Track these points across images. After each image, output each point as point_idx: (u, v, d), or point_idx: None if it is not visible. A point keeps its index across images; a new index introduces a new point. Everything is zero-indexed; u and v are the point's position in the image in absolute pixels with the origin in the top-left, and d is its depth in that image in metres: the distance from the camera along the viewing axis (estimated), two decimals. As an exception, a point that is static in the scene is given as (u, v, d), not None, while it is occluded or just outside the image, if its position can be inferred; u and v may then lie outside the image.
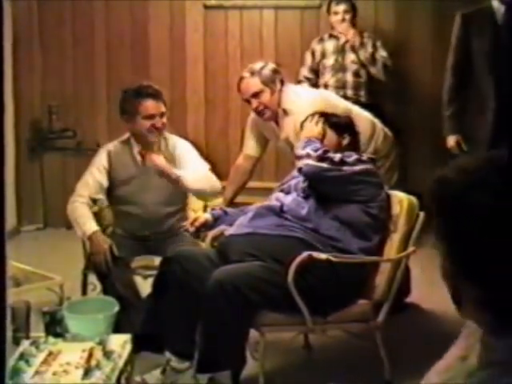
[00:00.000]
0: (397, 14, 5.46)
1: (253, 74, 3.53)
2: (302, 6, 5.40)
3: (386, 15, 5.47)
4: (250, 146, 3.83)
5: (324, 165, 2.93)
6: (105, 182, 3.54)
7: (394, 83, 5.32)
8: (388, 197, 3.11)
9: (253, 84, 3.52)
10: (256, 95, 3.52)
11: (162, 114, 3.49)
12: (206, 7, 5.63)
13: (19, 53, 5.59)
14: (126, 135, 3.62)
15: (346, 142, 3.20)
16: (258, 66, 3.58)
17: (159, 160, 3.35)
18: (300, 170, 3.02)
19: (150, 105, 3.45)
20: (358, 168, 2.98)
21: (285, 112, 3.55)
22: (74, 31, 5.73)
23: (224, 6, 5.61)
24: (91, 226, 3.40)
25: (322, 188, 3.00)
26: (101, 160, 3.56)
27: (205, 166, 3.57)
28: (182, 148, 3.61)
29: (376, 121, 3.80)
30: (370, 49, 4.93)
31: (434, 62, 5.46)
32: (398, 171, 3.80)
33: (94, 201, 3.54)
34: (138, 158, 3.55)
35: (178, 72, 5.71)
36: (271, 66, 3.62)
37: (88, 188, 3.51)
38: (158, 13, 5.68)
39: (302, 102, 3.52)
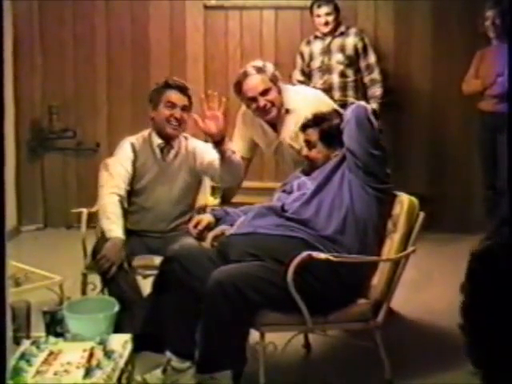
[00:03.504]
0: (396, 14, 5.47)
1: (259, 71, 3.44)
2: (302, 6, 5.40)
3: (385, 15, 5.47)
4: (241, 149, 3.72)
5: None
6: (131, 171, 3.56)
7: (394, 84, 5.32)
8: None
9: (261, 81, 3.43)
10: (264, 93, 3.43)
11: (183, 107, 3.57)
12: (206, 7, 5.63)
13: (20, 53, 5.59)
14: (148, 130, 3.66)
15: (336, 153, 3.18)
16: (259, 63, 3.50)
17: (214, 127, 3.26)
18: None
19: (173, 95, 3.56)
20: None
21: (287, 111, 3.50)
22: (75, 31, 5.74)
23: (224, 6, 5.61)
24: (118, 230, 3.37)
25: (364, 144, 2.98)
26: (126, 151, 3.59)
27: None
28: (202, 148, 3.63)
29: None
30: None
31: (434, 62, 5.46)
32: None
33: (126, 192, 3.54)
34: (157, 152, 3.61)
35: (178, 72, 5.70)
36: (270, 64, 3.60)
37: (122, 179, 3.52)
38: (158, 13, 5.68)
39: (304, 100, 3.49)
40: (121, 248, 3.32)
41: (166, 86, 3.59)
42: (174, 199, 3.59)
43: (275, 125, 3.56)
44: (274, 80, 3.48)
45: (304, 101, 3.49)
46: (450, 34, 5.38)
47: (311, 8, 5.06)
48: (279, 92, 3.48)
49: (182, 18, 5.68)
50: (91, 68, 5.77)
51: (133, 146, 3.61)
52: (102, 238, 3.40)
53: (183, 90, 3.59)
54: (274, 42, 5.61)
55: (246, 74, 3.46)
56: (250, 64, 3.53)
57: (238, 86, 3.49)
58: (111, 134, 5.67)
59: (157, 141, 3.61)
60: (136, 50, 5.75)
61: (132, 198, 3.60)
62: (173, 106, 3.55)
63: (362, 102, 3.31)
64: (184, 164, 3.60)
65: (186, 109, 3.58)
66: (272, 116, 3.48)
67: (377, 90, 5.04)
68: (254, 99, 3.45)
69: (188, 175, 3.62)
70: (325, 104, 3.49)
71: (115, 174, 3.53)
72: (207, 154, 3.54)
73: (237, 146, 3.76)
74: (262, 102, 3.44)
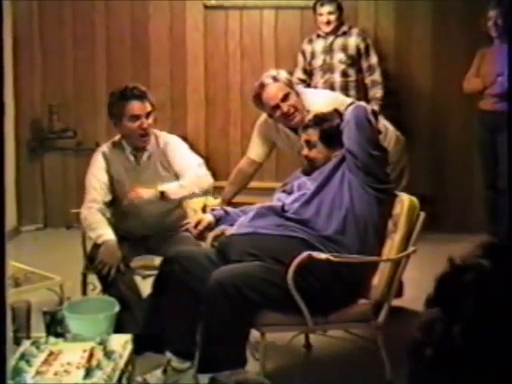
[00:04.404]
0: (397, 13, 5.46)
1: (274, 79, 3.44)
2: (302, 6, 5.39)
3: (385, 15, 5.47)
4: (256, 152, 3.74)
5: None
6: (107, 181, 3.53)
7: (394, 84, 5.32)
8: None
9: (279, 88, 3.42)
10: (285, 98, 3.41)
11: (147, 115, 3.48)
12: (206, 7, 5.62)
13: (19, 53, 5.58)
14: (118, 136, 3.63)
15: (336, 153, 3.17)
16: (273, 72, 3.50)
17: (146, 193, 3.38)
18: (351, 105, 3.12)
19: (135, 106, 3.46)
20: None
21: (308, 112, 3.49)
22: (75, 31, 5.73)
23: (224, 6, 5.61)
24: (107, 233, 3.38)
25: (364, 145, 2.99)
26: (98, 161, 3.57)
27: (195, 161, 3.56)
28: (173, 144, 3.60)
29: (388, 124, 3.79)
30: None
31: (434, 62, 5.46)
32: (408, 175, 3.78)
33: (106, 204, 3.52)
34: (131, 158, 3.57)
35: (178, 72, 5.71)
36: (283, 71, 3.60)
37: (97, 191, 3.50)
38: (157, 13, 5.68)
39: (323, 100, 3.47)
40: (116, 249, 3.32)
41: (123, 98, 3.47)
42: (158, 200, 3.53)
43: (296, 128, 3.55)
44: (289, 85, 3.48)
45: (324, 101, 3.47)
46: (451, 34, 5.38)
47: (314, 6, 5.06)
48: (298, 95, 3.48)
49: (181, 18, 5.67)
50: (91, 68, 5.76)
51: (104, 154, 3.57)
52: (96, 244, 3.41)
53: (143, 97, 3.48)
54: (274, 42, 5.60)
55: (263, 85, 3.45)
56: (264, 75, 3.53)
57: (258, 98, 3.49)
58: (111, 134, 5.61)
59: (128, 148, 3.57)
60: (136, 50, 5.74)
61: (117, 205, 3.58)
62: (137, 117, 3.46)
63: (362, 102, 3.30)
64: (158, 162, 3.55)
65: (149, 114, 3.49)
66: (297, 120, 3.44)
67: (377, 92, 5.03)
68: (276, 107, 3.44)
69: (165, 172, 3.57)
70: (343, 104, 3.48)
71: (90, 188, 3.52)
72: (176, 155, 3.53)
73: (254, 152, 3.76)
74: (285, 107, 3.42)
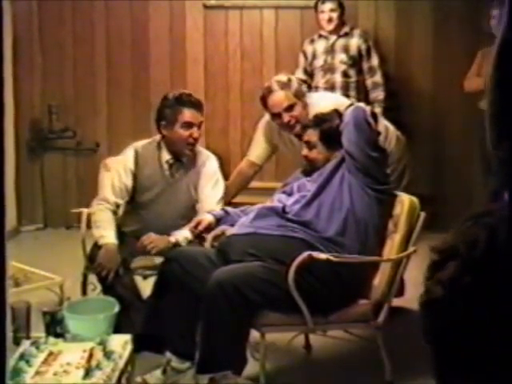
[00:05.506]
0: (397, 13, 5.46)
1: (283, 86, 3.40)
2: (302, 5, 5.40)
3: (386, 15, 5.47)
4: (256, 154, 3.72)
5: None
6: (130, 184, 3.46)
7: (395, 84, 5.32)
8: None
9: (285, 97, 3.39)
10: (289, 109, 3.39)
11: (199, 125, 3.43)
12: (206, 7, 5.63)
13: (19, 53, 5.58)
14: (157, 137, 3.52)
15: (336, 154, 3.17)
16: (284, 78, 3.46)
17: (161, 243, 3.28)
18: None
19: (190, 114, 3.38)
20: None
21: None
22: (74, 31, 5.73)
23: (224, 6, 5.61)
24: (110, 236, 3.32)
25: (362, 144, 2.98)
26: (128, 160, 3.48)
27: (217, 196, 3.47)
28: (207, 169, 3.52)
29: (388, 124, 3.78)
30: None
31: (434, 62, 5.46)
32: (409, 174, 3.78)
33: (118, 206, 3.46)
34: (165, 167, 3.48)
35: (178, 72, 5.71)
36: (296, 78, 3.56)
37: (114, 192, 3.42)
38: (157, 13, 5.68)
39: (326, 106, 3.44)
40: (115, 253, 3.28)
41: (180, 104, 3.38)
42: (179, 215, 3.48)
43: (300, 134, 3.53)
44: (298, 95, 3.43)
45: (326, 107, 3.44)
46: (451, 35, 5.38)
47: (316, 5, 5.06)
48: (304, 107, 3.44)
49: (181, 18, 5.67)
50: (91, 68, 5.77)
51: (136, 155, 3.48)
52: (97, 245, 3.37)
53: (198, 106, 3.42)
54: (274, 42, 5.60)
55: (270, 90, 3.42)
56: (275, 79, 3.49)
57: (264, 101, 3.47)
58: (111, 134, 5.67)
59: (166, 156, 3.47)
60: (136, 50, 5.74)
61: (134, 207, 3.53)
62: (190, 125, 3.38)
63: (361, 104, 3.29)
64: (191, 181, 3.49)
65: (201, 125, 3.44)
66: (296, 131, 3.43)
67: (379, 94, 5.03)
68: (278, 115, 3.43)
69: (194, 192, 3.51)
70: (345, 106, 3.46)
71: (108, 185, 3.44)
72: (204, 183, 3.48)
73: (254, 154, 3.74)
74: (286, 118, 3.40)
